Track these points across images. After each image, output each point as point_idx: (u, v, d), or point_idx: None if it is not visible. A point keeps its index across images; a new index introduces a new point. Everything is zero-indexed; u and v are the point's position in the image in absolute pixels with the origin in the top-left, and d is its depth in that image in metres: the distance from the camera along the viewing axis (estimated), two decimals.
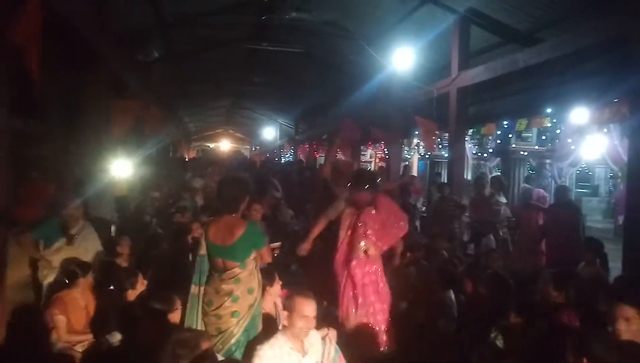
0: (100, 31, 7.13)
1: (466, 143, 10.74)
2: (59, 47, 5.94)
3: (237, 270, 3.36)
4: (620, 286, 3.73)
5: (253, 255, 3.44)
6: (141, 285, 4.02)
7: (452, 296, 4.51)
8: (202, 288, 3.53)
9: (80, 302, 3.97)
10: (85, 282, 4.06)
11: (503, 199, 7.53)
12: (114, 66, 8.07)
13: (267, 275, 3.95)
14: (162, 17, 8.43)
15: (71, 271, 4.01)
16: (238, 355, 3.30)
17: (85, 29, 6.42)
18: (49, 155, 6.99)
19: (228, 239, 3.37)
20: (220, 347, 3.32)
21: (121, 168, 7.13)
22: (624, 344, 2.65)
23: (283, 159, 23.08)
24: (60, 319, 3.74)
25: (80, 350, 3.59)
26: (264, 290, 3.76)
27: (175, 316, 3.37)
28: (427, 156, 17.08)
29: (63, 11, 5.52)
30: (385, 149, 11.55)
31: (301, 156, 18.92)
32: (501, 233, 7.10)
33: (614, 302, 2.99)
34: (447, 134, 9.39)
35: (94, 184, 6.34)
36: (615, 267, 5.41)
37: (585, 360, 2.48)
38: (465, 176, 9.55)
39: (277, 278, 3.99)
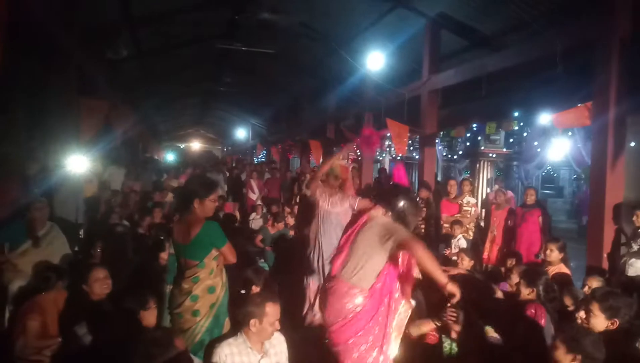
0: (67, 27, 6.98)
1: (436, 145, 10.93)
2: (23, 43, 5.77)
3: (196, 269, 3.37)
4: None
5: (213, 253, 3.42)
6: (105, 279, 3.84)
7: (421, 297, 4.56)
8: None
9: (55, 306, 3.86)
10: (60, 285, 3.93)
11: (473, 200, 7.68)
12: (81, 63, 7.89)
13: (255, 274, 3.95)
14: (131, 14, 8.28)
15: (46, 275, 3.89)
16: (202, 355, 3.29)
17: (52, 24, 6.27)
18: (12, 154, 6.78)
19: (187, 237, 3.39)
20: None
21: (89, 168, 6.97)
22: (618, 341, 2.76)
23: (256, 160, 22.96)
24: (32, 325, 3.61)
25: (49, 355, 3.49)
26: (250, 288, 3.75)
27: (149, 316, 3.32)
28: (398, 158, 17.30)
29: (28, 6, 5.38)
30: (358, 151, 11.62)
31: (274, 157, 18.87)
32: (471, 234, 7.25)
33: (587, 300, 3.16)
34: (418, 137, 9.52)
35: (61, 184, 6.18)
36: (580, 266, 5.61)
37: (579, 357, 2.56)
38: (435, 178, 9.69)
39: (265, 279, 3.96)
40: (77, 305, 3.69)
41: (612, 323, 2.97)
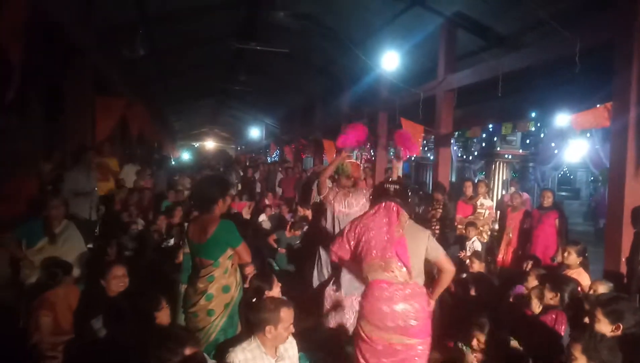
0: (84, 26, 7.05)
1: (451, 146, 10.84)
2: (41, 42, 5.84)
3: (211, 268, 3.37)
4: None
5: (228, 253, 3.43)
6: (123, 277, 3.87)
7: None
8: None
9: (66, 302, 3.89)
10: (69, 281, 3.97)
11: (487, 202, 7.60)
12: (98, 61, 7.98)
13: (266, 278, 3.90)
14: (147, 13, 8.34)
15: (52, 271, 3.93)
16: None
17: (69, 23, 6.34)
18: (29, 152, 6.87)
19: (203, 237, 3.39)
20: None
21: (105, 166, 7.04)
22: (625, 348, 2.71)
23: (269, 159, 23.02)
24: (45, 321, 3.65)
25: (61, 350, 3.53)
26: (262, 294, 3.72)
27: (162, 315, 3.33)
28: (412, 159, 17.21)
29: (46, 5, 5.44)
30: (372, 151, 11.58)
31: (287, 156, 18.88)
32: (485, 236, 7.17)
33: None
34: (432, 137, 9.46)
35: (77, 182, 6.23)
36: (596, 269, 5.51)
37: None
38: (450, 179, 9.61)
39: (275, 280, 3.93)
40: (93, 300, 3.72)
41: (616, 328, 2.92)
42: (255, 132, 25.93)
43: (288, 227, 7.43)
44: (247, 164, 16.93)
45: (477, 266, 5.25)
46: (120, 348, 3.02)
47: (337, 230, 4.49)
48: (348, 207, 4.53)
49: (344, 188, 4.64)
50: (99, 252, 4.99)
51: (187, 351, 2.48)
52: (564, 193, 18.42)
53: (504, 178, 12.59)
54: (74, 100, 7.43)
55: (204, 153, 26.59)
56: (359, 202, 4.54)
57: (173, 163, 17.91)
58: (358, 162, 4.81)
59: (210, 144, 33.19)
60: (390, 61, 8.51)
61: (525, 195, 9.28)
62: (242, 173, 14.21)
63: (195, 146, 32.24)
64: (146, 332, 3.04)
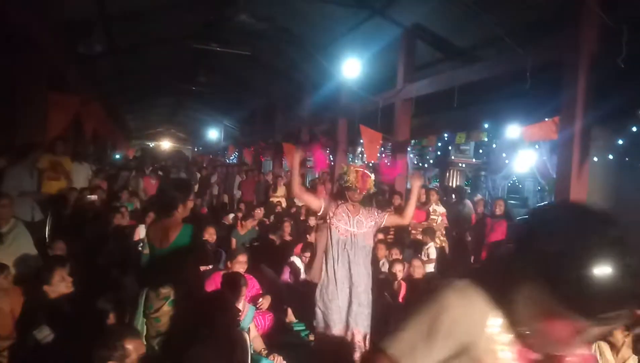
0: (39, 19, 6.81)
1: (408, 153, 11.09)
2: None
3: None
4: None
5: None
6: (60, 281, 3.69)
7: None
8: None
9: (4, 306, 3.70)
10: (4, 282, 3.66)
11: (440, 209, 7.82)
12: (52, 57, 7.71)
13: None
14: (106, 9, 8.13)
15: None
16: None
17: (23, 15, 6.12)
18: None
19: (164, 242, 3.36)
20: (159, 350, 3.30)
21: (59, 165, 6.80)
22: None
23: (227, 161, 22.77)
24: None
25: (6, 355, 3.37)
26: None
27: (120, 317, 3.27)
28: (370, 164, 17.47)
29: None
30: (330, 156, 11.69)
31: (246, 159, 18.76)
32: (438, 241, 7.38)
33: None
34: (390, 144, 9.66)
35: (21, 180, 5.95)
36: None
37: None
38: (405, 186, 9.84)
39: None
40: (37, 305, 3.58)
41: None
42: (213, 134, 25.60)
43: (239, 224, 7.45)
44: (204, 165, 16.68)
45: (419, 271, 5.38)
46: (64, 353, 2.94)
47: (348, 254, 3.75)
48: (357, 226, 3.78)
49: (352, 200, 3.81)
50: (45, 254, 4.78)
51: (128, 344, 2.43)
52: (513, 201, 19.12)
53: (457, 185, 12.99)
54: (26, 95, 7.15)
55: (156, 153, 25.70)
56: (369, 222, 3.82)
57: (122, 160, 17.32)
58: (366, 170, 3.82)
59: (166, 144, 32.52)
60: (351, 68, 8.65)
61: (469, 203, 9.59)
62: (198, 174, 13.96)
63: (151, 145, 31.47)
64: (96, 333, 2.97)
